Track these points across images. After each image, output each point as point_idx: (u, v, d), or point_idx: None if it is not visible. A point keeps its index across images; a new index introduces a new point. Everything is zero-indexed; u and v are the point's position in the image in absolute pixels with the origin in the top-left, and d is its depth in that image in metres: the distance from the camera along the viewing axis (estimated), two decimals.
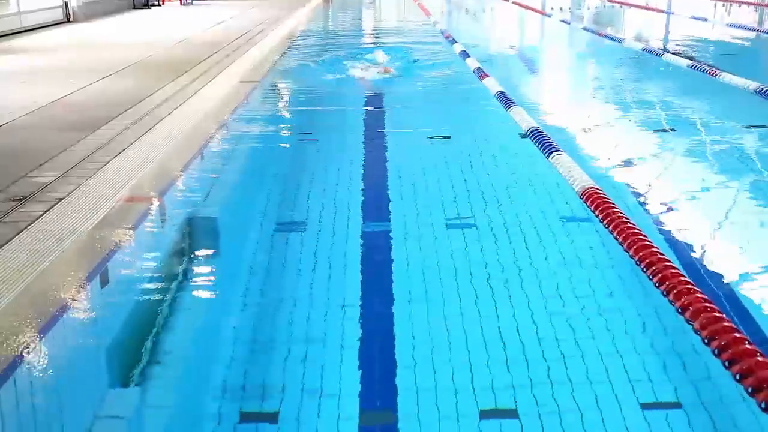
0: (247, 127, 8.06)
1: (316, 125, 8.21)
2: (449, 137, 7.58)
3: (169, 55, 12.86)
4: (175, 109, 8.24)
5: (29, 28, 16.86)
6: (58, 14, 18.63)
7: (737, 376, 3.23)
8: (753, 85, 9.42)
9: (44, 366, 3.46)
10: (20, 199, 5.14)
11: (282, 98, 10.07)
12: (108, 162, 6.09)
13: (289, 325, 3.94)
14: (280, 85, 10.92)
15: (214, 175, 6.37)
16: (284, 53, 13.85)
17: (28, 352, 3.46)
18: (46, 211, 4.91)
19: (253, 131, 7.93)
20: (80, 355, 3.66)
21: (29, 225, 4.67)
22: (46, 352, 3.54)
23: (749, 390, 3.12)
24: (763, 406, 3.04)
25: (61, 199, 5.17)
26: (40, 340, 3.60)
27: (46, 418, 3.20)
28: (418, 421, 3.20)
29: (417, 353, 3.69)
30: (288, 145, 7.31)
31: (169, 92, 9.23)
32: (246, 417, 3.25)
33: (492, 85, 9.91)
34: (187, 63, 11.56)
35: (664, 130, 8.00)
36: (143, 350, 3.67)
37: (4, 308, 3.68)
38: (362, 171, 6.55)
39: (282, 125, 8.32)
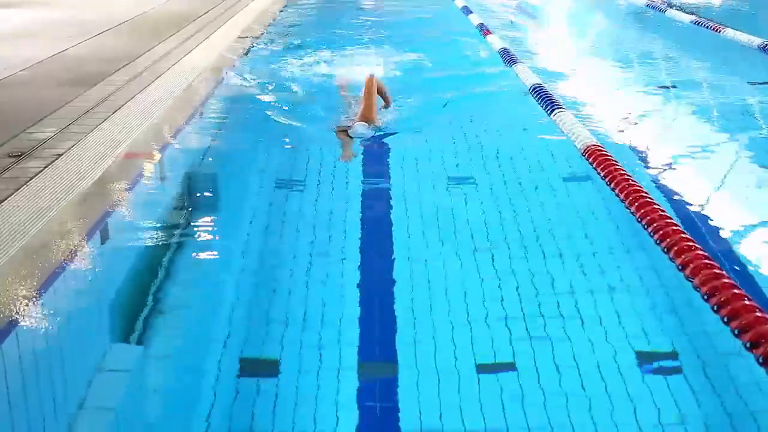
0: (247, 82, 7.99)
1: (317, 84, 8.12)
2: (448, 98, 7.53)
3: (167, 10, 12.69)
4: (173, 64, 8.16)
5: None
6: None
7: (736, 332, 3.25)
8: (757, 41, 9.31)
9: (45, 321, 3.48)
10: (18, 155, 5.12)
11: (282, 52, 9.95)
12: (107, 118, 6.04)
13: (289, 279, 3.95)
14: (280, 39, 10.78)
15: (214, 131, 6.33)
16: (286, 5, 13.70)
17: (29, 308, 3.47)
18: (45, 167, 4.89)
19: (252, 86, 7.86)
20: (80, 310, 3.68)
21: (28, 181, 4.65)
22: (47, 307, 3.55)
23: (747, 345, 3.15)
24: (760, 360, 3.06)
25: (60, 155, 5.15)
26: (41, 295, 3.61)
27: (47, 371, 3.23)
28: (417, 372, 3.24)
29: (416, 309, 3.71)
30: (287, 108, 7.25)
31: (168, 47, 9.13)
32: (245, 366, 3.28)
33: (495, 41, 9.81)
34: (184, 19, 11.41)
35: (666, 87, 7.93)
36: (143, 303, 3.68)
37: (4, 264, 3.68)
38: None
39: (282, 80, 8.24)
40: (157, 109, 6.42)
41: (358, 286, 3.92)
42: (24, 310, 3.45)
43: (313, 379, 3.19)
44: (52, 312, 3.55)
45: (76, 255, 4.02)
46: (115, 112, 6.23)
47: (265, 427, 2.95)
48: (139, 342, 3.45)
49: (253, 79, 8.09)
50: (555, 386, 3.16)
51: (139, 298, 3.73)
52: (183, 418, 3.04)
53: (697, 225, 4.53)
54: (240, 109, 7.06)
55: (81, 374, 3.21)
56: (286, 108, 7.01)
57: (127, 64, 8.16)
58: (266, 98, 7.40)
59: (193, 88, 7.38)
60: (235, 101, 7.33)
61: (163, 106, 6.52)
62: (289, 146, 6.03)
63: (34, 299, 3.55)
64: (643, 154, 5.85)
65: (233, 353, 3.39)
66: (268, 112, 6.88)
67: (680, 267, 3.84)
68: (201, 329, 3.56)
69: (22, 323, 3.41)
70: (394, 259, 4.21)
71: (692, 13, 11.88)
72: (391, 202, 4.94)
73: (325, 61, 9.01)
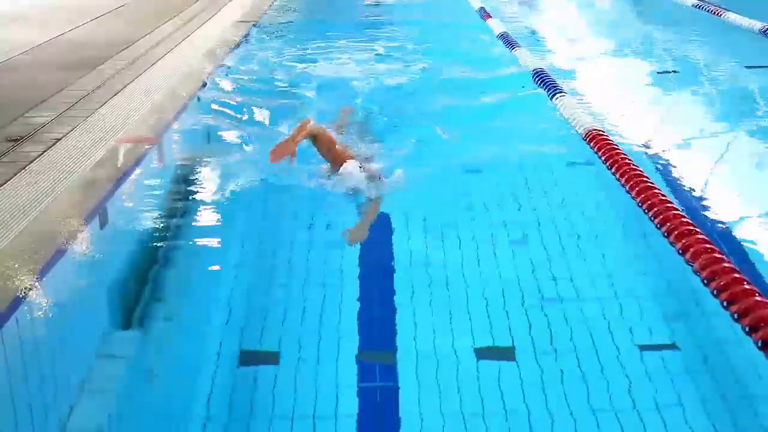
0: (245, 67, 7.95)
1: (317, 65, 8.08)
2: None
3: None
4: (172, 48, 8.12)
5: None
6: None
7: (735, 316, 3.25)
8: (758, 25, 9.26)
9: (45, 306, 3.48)
10: (17, 140, 5.10)
11: (282, 35, 9.89)
12: (105, 102, 6.02)
13: (287, 266, 3.96)
14: (279, 23, 10.72)
15: (213, 116, 6.30)
16: None
17: (29, 291, 3.47)
18: (44, 152, 4.88)
19: (251, 70, 7.82)
20: (80, 294, 3.67)
21: (27, 165, 4.64)
22: (47, 292, 3.55)
23: (747, 329, 3.15)
24: (759, 344, 3.06)
25: (59, 139, 5.13)
26: (40, 280, 3.61)
27: (47, 355, 3.23)
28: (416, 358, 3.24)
29: (416, 295, 3.71)
30: (286, 92, 7.22)
31: (167, 31, 9.08)
32: (246, 356, 3.29)
33: (496, 25, 9.75)
34: (184, 2, 11.34)
35: (667, 72, 7.90)
36: (142, 287, 3.68)
37: (4, 248, 3.68)
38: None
39: (280, 64, 8.20)
40: (156, 93, 6.39)
41: (358, 266, 3.92)
42: (24, 293, 3.45)
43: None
44: (51, 296, 3.55)
45: (76, 239, 4.01)
46: (114, 96, 6.21)
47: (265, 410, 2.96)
48: (140, 326, 3.45)
49: (253, 65, 8.05)
50: (554, 370, 3.16)
51: (138, 282, 3.72)
52: (183, 403, 3.04)
53: (698, 209, 4.53)
54: (239, 93, 7.03)
55: (80, 358, 3.21)
56: (285, 92, 6.99)
57: (126, 48, 8.13)
58: (266, 83, 7.37)
59: (192, 72, 7.36)
60: (234, 85, 7.29)
61: (162, 91, 6.50)
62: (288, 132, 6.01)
63: (34, 283, 3.55)
64: (644, 139, 5.83)
65: (233, 340, 3.39)
66: (268, 97, 6.86)
67: (681, 251, 3.84)
68: (201, 312, 3.56)
69: (22, 307, 3.40)
70: (394, 243, 4.21)
71: None
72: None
73: (325, 47, 8.94)
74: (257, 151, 5.55)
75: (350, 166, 4.62)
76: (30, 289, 3.49)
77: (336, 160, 4.73)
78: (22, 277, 3.52)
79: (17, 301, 3.40)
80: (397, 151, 5.26)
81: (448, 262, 4.00)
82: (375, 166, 4.91)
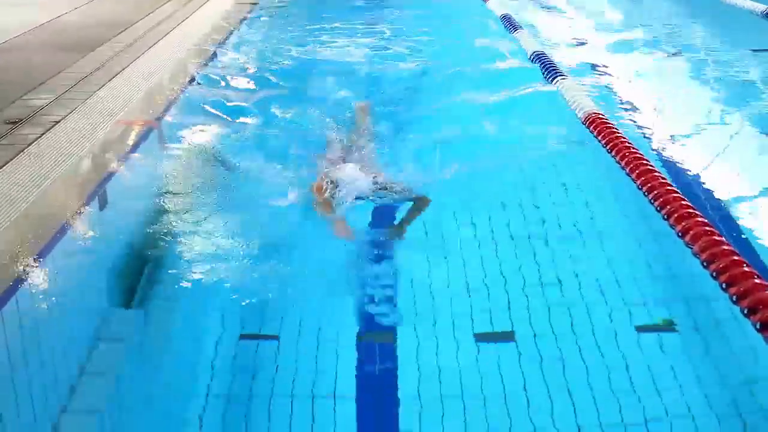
0: (246, 47, 7.91)
1: (320, 46, 8.03)
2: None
3: None
4: (173, 29, 8.07)
5: None
6: None
7: (734, 298, 3.25)
8: (761, 7, 9.20)
9: (45, 287, 3.48)
10: (15, 122, 5.08)
11: (283, 16, 9.83)
12: (104, 84, 5.99)
13: (288, 247, 3.95)
14: (280, 3, 10.64)
15: (213, 97, 6.27)
16: None
17: (29, 273, 3.47)
18: (42, 134, 4.86)
19: (252, 51, 7.78)
20: (79, 276, 3.67)
21: (25, 148, 4.63)
22: (47, 273, 3.55)
23: (745, 311, 3.15)
24: (758, 326, 3.07)
25: (57, 122, 5.11)
26: (40, 261, 3.61)
27: (47, 336, 3.23)
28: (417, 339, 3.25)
29: (416, 279, 3.71)
30: (289, 66, 7.19)
31: (167, 12, 9.03)
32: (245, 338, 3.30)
33: (496, 7, 9.69)
34: None
35: (669, 54, 7.85)
36: (142, 268, 3.68)
37: (4, 230, 3.67)
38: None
39: (282, 45, 8.15)
40: (156, 75, 6.36)
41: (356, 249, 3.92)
42: (24, 275, 3.45)
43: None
44: (51, 277, 3.55)
45: (75, 221, 4.01)
46: (113, 78, 6.18)
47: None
48: (139, 306, 3.45)
49: (254, 45, 8.01)
50: (553, 351, 3.17)
51: (137, 263, 3.72)
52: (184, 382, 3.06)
53: (698, 192, 4.51)
54: (240, 74, 7.00)
55: (79, 338, 3.22)
56: (287, 73, 6.95)
57: (125, 29, 8.08)
58: (268, 63, 7.34)
59: (192, 53, 7.32)
60: (235, 66, 7.26)
61: (161, 72, 6.47)
62: (288, 114, 5.99)
63: (33, 265, 3.55)
64: (644, 122, 5.81)
65: (234, 318, 3.40)
66: (270, 77, 6.83)
67: (680, 234, 3.83)
68: (201, 292, 3.56)
69: (22, 288, 3.41)
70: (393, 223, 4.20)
71: None
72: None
73: (329, 29, 8.87)
74: (258, 130, 5.53)
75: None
76: (29, 271, 3.49)
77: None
78: (21, 260, 3.52)
79: (16, 284, 3.41)
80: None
81: (446, 242, 4.00)
82: (397, 186, 4.42)
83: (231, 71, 7.12)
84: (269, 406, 2.95)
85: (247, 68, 7.22)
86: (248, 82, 6.76)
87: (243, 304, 3.47)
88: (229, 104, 6.17)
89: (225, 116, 5.85)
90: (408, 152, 5.08)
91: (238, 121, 5.79)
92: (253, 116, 5.82)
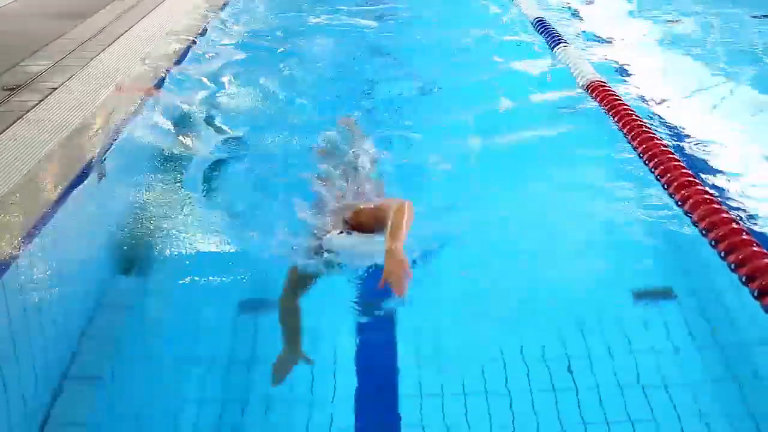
0: (245, 14, 7.83)
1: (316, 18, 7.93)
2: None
3: None
4: None
5: None
6: None
7: (732, 266, 3.25)
8: None
9: (44, 254, 3.48)
10: (13, 89, 5.05)
11: None
12: (102, 50, 5.94)
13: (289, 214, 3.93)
14: None
15: (212, 62, 6.22)
16: None
17: (28, 240, 3.47)
18: (41, 101, 4.83)
19: (250, 18, 7.71)
20: (78, 244, 3.66)
21: (24, 114, 4.60)
22: (46, 240, 3.55)
23: (743, 279, 3.16)
24: (756, 294, 3.07)
25: (55, 88, 5.08)
26: (39, 227, 3.60)
27: (48, 304, 3.23)
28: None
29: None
30: (284, 34, 7.12)
31: None
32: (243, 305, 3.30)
33: None
34: None
35: (669, 21, 7.77)
36: (141, 234, 3.67)
37: (3, 196, 3.67)
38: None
39: (279, 14, 8.06)
40: (154, 40, 6.31)
41: None
42: (23, 242, 3.45)
43: None
44: (51, 245, 3.55)
45: (74, 189, 3.99)
46: (111, 44, 6.13)
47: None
48: (140, 273, 3.45)
49: (254, 12, 7.93)
50: (550, 318, 3.18)
51: (137, 230, 3.72)
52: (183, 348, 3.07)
53: (699, 160, 4.49)
54: (238, 40, 6.93)
55: (79, 305, 3.22)
56: (284, 40, 6.89)
57: None
58: (265, 29, 7.27)
59: (191, 18, 7.25)
60: (233, 33, 7.19)
61: (160, 38, 6.41)
62: (287, 72, 5.95)
63: (32, 232, 3.55)
64: (645, 90, 5.76)
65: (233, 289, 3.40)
66: (267, 42, 6.77)
67: (680, 202, 3.83)
68: (201, 259, 3.56)
69: (21, 256, 3.41)
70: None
71: None
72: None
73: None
74: (260, 93, 5.50)
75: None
76: (29, 238, 3.49)
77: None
78: (20, 227, 3.52)
79: (15, 251, 3.41)
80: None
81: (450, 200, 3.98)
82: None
83: (230, 37, 7.05)
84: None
85: (246, 34, 7.15)
86: (247, 48, 6.70)
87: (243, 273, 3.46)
88: (230, 66, 6.13)
89: (224, 81, 5.80)
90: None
91: (238, 85, 5.75)
92: (252, 81, 5.79)
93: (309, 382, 2.95)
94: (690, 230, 3.58)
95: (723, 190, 4.11)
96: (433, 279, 3.28)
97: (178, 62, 6.14)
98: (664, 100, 5.55)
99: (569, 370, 2.97)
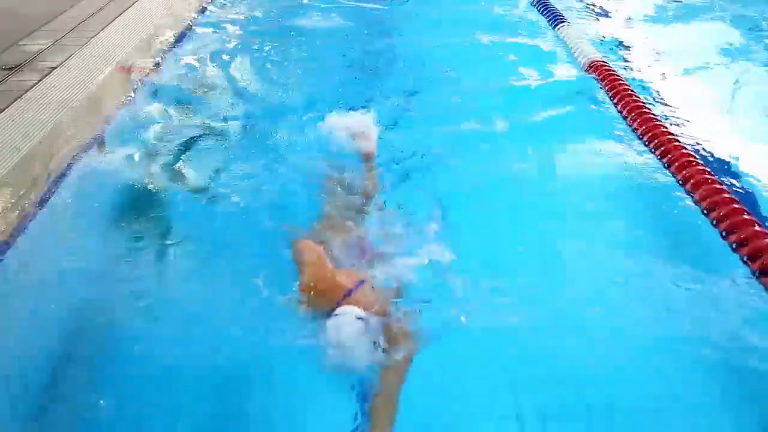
0: None
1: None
2: None
3: None
4: None
5: None
6: None
7: (734, 246, 3.26)
8: None
9: (42, 237, 3.48)
10: (12, 68, 5.02)
11: None
12: (101, 29, 5.91)
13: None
14: None
15: (213, 42, 6.17)
16: None
17: (26, 221, 3.48)
18: (39, 80, 4.81)
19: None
20: (77, 225, 3.65)
21: (23, 94, 4.59)
22: (45, 221, 3.55)
23: (744, 258, 3.16)
24: (756, 273, 3.08)
25: (54, 68, 5.05)
26: (39, 208, 3.61)
27: (45, 284, 3.23)
28: None
29: None
30: (286, 17, 7.06)
31: None
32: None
33: None
34: None
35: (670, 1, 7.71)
36: (141, 215, 3.66)
37: (3, 177, 3.67)
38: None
39: None
40: (153, 19, 6.27)
41: None
42: (21, 223, 3.45)
43: None
44: (49, 227, 3.55)
45: (73, 169, 3.99)
46: (110, 23, 6.09)
47: None
48: (141, 253, 3.44)
49: None
50: (547, 295, 3.17)
51: (137, 210, 3.71)
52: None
53: (699, 141, 4.47)
54: (241, 18, 6.87)
55: (77, 287, 3.21)
56: (285, 24, 6.84)
57: None
58: (267, 11, 7.21)
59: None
60: (234, 10, 7.12)
61: (159, 17, 6.37)
62: (287, 51, 5.91)
63: (31, 212, 3.55)
64: (647, 70, 5.73)
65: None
66: (270, 23, 6.73)
67: (681, 182, 3.83)
68: (201, 237, 3.56)
69: (19, 237, 3.41)
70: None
71: None
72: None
73: None
74: (261, 75, 5.47)
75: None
76: (29, 219, 3.49)
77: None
78: (19, 207, 3.52)
79: (14, 232, 3.41)
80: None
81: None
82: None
83: (232, 14, 6.99)
84: None
85: (248, 13, 7.09)
86: (249, 27, 6.65)
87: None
88: (231, 45, 6.09)
89: (227, 59, 5.77)
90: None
91: (240, 64, 5.71)
92: (255, 60, 5.76)
93: None
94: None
95: (724, 169, 4.10)
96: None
97: (178, 41, 6.10)
98: (664, 80, 5.52)
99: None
